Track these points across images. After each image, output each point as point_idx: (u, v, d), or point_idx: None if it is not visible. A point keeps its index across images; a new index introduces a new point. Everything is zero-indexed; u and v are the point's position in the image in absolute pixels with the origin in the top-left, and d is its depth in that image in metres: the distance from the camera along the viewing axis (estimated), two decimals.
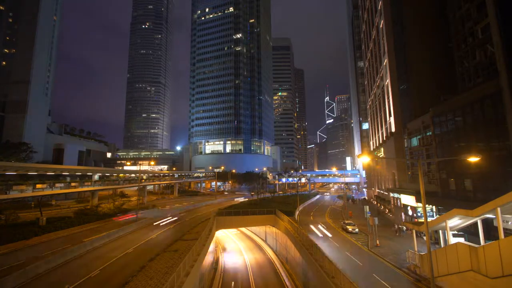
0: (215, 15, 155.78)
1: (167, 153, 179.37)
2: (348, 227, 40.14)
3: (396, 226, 39.67)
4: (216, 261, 39.03)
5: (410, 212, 39.73)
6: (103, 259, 24.39)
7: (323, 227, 43.60)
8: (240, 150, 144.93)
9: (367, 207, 40.89)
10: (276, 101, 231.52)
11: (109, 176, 71.56)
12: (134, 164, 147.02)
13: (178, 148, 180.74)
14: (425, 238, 24.22)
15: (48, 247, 27.81)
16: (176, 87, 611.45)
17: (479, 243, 19.47)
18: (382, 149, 61.46)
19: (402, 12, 46.58)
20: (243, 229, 60.04)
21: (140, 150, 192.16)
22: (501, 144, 25.13)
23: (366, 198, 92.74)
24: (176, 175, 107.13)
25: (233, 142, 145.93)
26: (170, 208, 60.54)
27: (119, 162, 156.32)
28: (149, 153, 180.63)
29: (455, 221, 21.94)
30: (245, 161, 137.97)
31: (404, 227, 37.30)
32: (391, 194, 48.83)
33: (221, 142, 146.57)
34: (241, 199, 78.56)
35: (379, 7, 56.26)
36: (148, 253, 25.72)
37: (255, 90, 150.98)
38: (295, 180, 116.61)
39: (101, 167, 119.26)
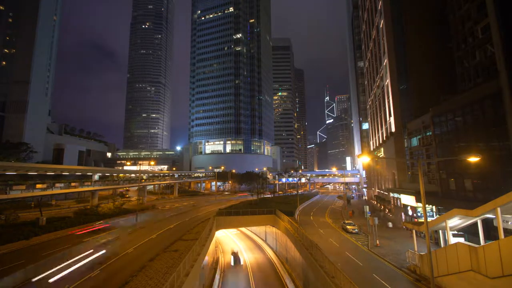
0: (215, 15, 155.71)
1: (167, 153, 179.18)
2: (348, 227, 40.11)
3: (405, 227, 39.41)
4: (216, 261, 39.00)
5: (410, 212, 39.74)
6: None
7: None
8: (240, 150, 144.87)
9: (367, 207, 40.85)
10: (276, 101, 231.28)
11: (109, 176, 71.58)
12: (134, 164, 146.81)
13: (178, 148, 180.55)
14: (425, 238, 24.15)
15: (48, 247, 27.76)
16: (176, 87, 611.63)
17: (479, 243, 19.46)
18: (382, 149, 61.44)
19: (402, 12, 46.66)
20: (243, 229, 59.98)
21: (140, 150, 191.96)
22: (501, 144, 25.15)
23: (366, 198, 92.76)
24: (176, 175, 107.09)
25: (233, 142, 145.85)
26: (169, 208, 60.52)
27: (119, 162, 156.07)
28: (149, 153, 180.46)
29: (455, 221, 21.93)
30: (245, 161, 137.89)
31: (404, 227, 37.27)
32: (391, 194, 48.84)
33: (221, 142, 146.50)
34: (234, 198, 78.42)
35: (379, 7, 56.24)
36: (148, 253, 25.71)
37: (255, 90, 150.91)
38: (295, 180, 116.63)
39: (101, 167, 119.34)
